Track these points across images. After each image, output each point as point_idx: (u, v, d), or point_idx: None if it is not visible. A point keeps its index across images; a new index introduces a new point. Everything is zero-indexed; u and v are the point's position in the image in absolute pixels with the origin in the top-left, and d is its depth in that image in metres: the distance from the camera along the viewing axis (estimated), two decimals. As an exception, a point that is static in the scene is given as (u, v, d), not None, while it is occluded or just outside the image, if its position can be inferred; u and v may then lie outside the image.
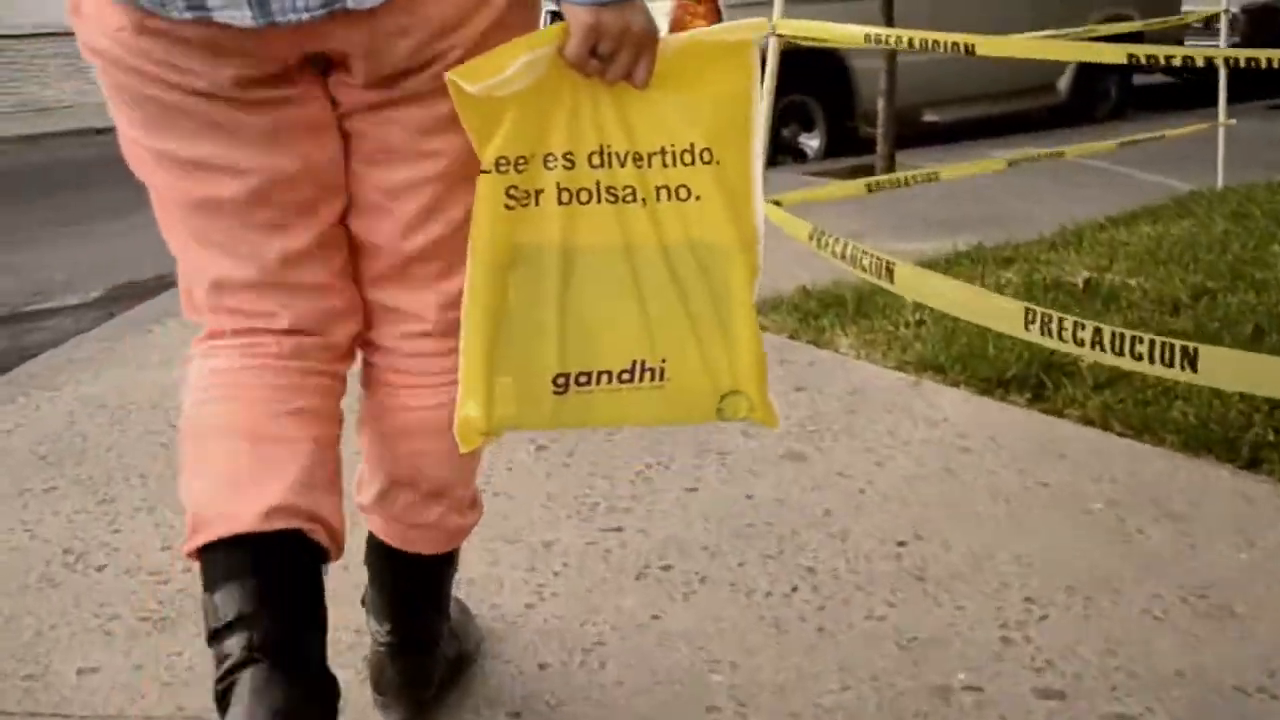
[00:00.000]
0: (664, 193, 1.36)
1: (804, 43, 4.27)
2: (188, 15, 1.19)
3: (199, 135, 1.30)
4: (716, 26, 1.42)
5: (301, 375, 1.39)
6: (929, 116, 7.76)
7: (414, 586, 1.62)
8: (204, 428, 1.38)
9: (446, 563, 1.65)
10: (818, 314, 3.59)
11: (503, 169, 1.31)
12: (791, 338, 3.49)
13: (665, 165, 1.35)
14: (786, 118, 6.97)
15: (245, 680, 1.20)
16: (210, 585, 1.28)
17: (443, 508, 1.54)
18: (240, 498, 1.29)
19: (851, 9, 5.92)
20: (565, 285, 1.36)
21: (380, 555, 1.61)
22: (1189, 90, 9.48)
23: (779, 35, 3.22)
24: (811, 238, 2.92)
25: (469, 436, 1.38)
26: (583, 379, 1.38)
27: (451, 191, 1.36)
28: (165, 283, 4.35)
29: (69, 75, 12.87)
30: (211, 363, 1.40)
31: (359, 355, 1.51)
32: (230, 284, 1.38)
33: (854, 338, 3.41)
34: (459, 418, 1.37)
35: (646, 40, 1.30)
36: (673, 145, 1.35)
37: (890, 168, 6.33)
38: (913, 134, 7.19)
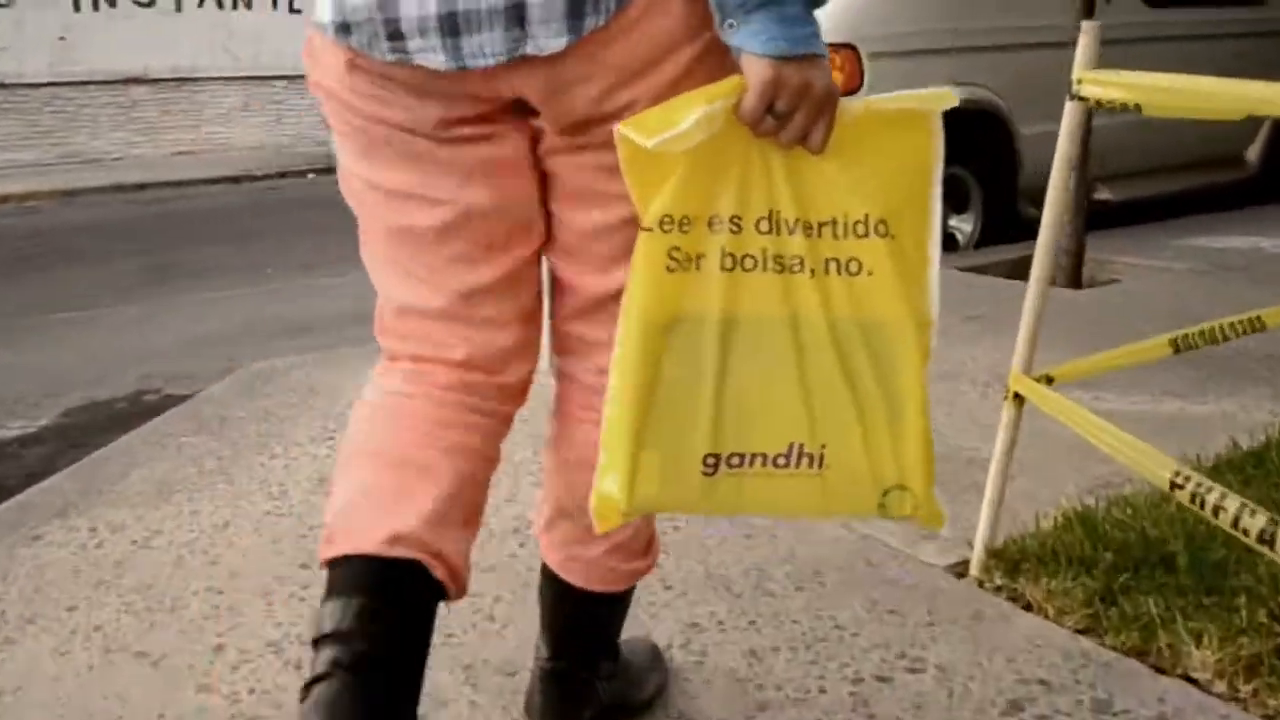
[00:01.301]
0: (834, 265, 1.26)
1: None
2: (390, 57, 1.26)
3: (400, 166, 1.35)
4: (899, 94, 1.29)
5: (463, 410, 1.41)
6: (1100, 195, 6.28)
7: (572, 617, 1.62)
8: (358, 445, 1.42)
9: (607, 602, 1.61)
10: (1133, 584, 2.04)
11: (666, 228, 1.24)
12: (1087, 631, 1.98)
13: (836, 236, 1.26)
14: (936, 196, 5.62)
15: (318, 692, 1.23)
16: (325, 595, 1.31)
17: (604, 547, 1.52)
18: (371, 519, 1.32)
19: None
20: (724, 358, 1.27)
21: (544, 578, 1.62)
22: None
23: (1081, 98, 1.87)
24: (1176, 484, 1.55)
25: (607, 515, 1.30)
26: (735, 460, 1.28)
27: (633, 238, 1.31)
28: (135, 404, 3.27)
29: (119, 126, 12.21)
30: (383, 381, 1.46)
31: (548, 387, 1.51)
32: (414, 311, 1.42)
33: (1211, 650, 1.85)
34: (596, 493, 1.29)
35: (827, 101, 1.23)
36: (846, 216, 1.26)
37: (1078, 266, 4.96)
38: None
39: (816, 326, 1.27)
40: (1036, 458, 2.59)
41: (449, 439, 1.39)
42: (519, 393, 1.47)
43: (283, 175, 11.17)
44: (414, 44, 1.24)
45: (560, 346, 1.50)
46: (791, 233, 1.26)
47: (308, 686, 1.25)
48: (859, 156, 1.26)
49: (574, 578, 1.56)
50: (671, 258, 1.24)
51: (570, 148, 1.32)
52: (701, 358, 1.27)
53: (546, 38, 1.22)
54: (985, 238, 5.84)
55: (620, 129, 1.20)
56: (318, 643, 1.27)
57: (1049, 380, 1.95)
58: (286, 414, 3.07)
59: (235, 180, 10.99)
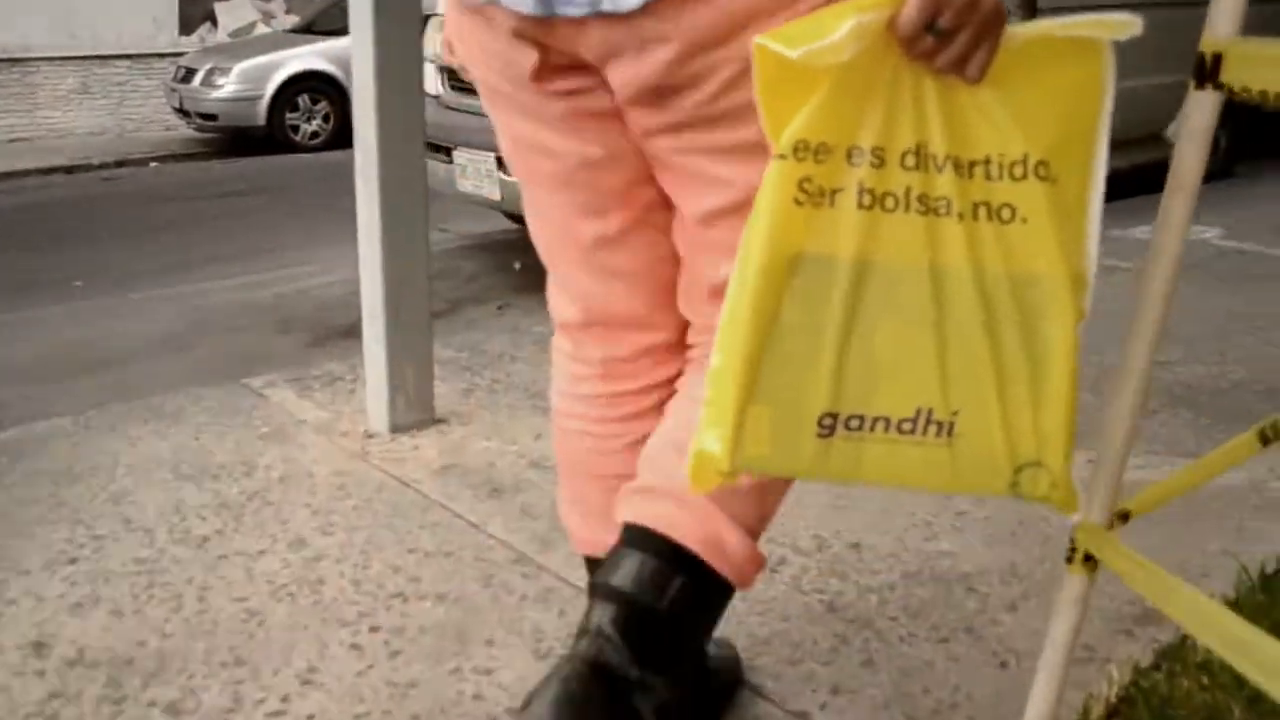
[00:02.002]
0: (984, 210, 1.09)
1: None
2: (479, 1, 1.22)
3: (519, 117, 1.33)
4: (1073, 19, 1.07)
5: (629, 400, 1.42)
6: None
7: (665, 602, 1.33)
8: (564, 460, 1.52)
9: (700, 583, 1.32)
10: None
11: (800, 156, 1.06)
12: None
13: (990, 178, 1.08)
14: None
15: (558, 676, 1.23)
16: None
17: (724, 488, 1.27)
18: (598, 532, 1.41)
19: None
20: (853, 306, 1.09)
21: (631, 551, 1.37)
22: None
23: (1221, 86, 1.12)
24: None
25: (704, 476, 1.14)
26: (854, 422, 1.11)
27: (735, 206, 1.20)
28: None
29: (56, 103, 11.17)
30: (558, 376, 1.49)
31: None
32: (558, 261, 1.42)
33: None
34: (694, 450, 1.13)
35: (993, 22, 1.04)
36: (1002, 155, 1.08)
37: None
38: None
39: (960, 278, 1.10)
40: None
41: (631, 439, 1.41)
42: (672, 354, 1.42)
43: (121, 164, 10.19)
44: None
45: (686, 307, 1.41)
46: (940, 170, 1.09)
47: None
48: (1022, 87, 1.09)
49: (673, 532, 1.35)
50: (802, 189, 1.08)
51: (662, 126, 1.23)
52: (827, 304, 1.10)
53: None
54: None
55: (759, 39, 1.06)
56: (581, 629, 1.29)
57: (1125, 517, 1.26)
58: (23, 519, 2.26)
59: (69, 170, 9.96)
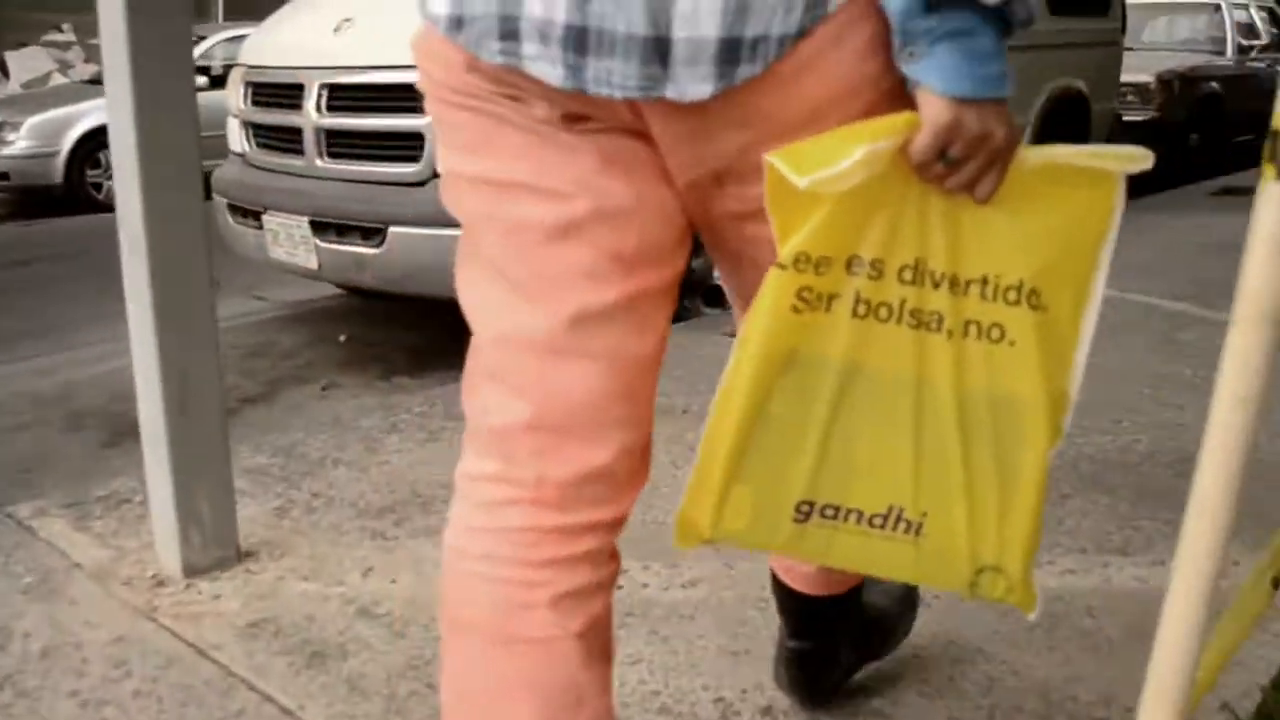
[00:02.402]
0: (974, 329, 1.13)
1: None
2: (499, 60, 1.08)
3: (515, 154, 1.13)
4: (1087, 148, 1.11)
5: (561, 540, 1.16)
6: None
7: (804, 612, 1.61)
8: (455, 623, 1.18)
9: (833, 603, 1.59)
10: None
11: (801, 268, 1.10)
12: None
13: (984, 298, 1.12)
14: (696, 246, 4.65)
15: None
16: None
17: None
18: None
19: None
20: (837, 406, 1.16)
21: (772, 578, 1.64)
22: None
23: None
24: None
25: (686, 537, 1.21)
26: (829, 511, 1.19)
27: None
28: None
29: None
30: (466, 508, 1.21)
31: None
32: (511, 344, 1.16)
33: None
34: (680, 512, 1.20)
35: (1004, 151, 1.06)
36: (999, 276, 1.12)
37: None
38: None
39: (942, 392, 1.15)
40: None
41: (550, 593, 1.15)
42: (619, 488, 1.20)
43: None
44: (529, 49, 1.06)
45: None
46: (936, 286, 1.12)
47: None
48: (1027, 211, 1.11)
49: (796, 584, 1.56)
50: (800, 298, 1.11)
51: (726, 216, 1.16)
52: (813, 401, 1.15)
53: (690, 82, 1.03)
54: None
55: (771, 158, 1.05)
56: None
57: None
58: None
59: None
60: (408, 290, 4.18)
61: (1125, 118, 9.33)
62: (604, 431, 1.17)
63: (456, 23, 1.09)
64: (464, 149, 1.15)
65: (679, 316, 4.69)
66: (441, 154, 1.20)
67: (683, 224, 1.17)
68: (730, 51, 1.01)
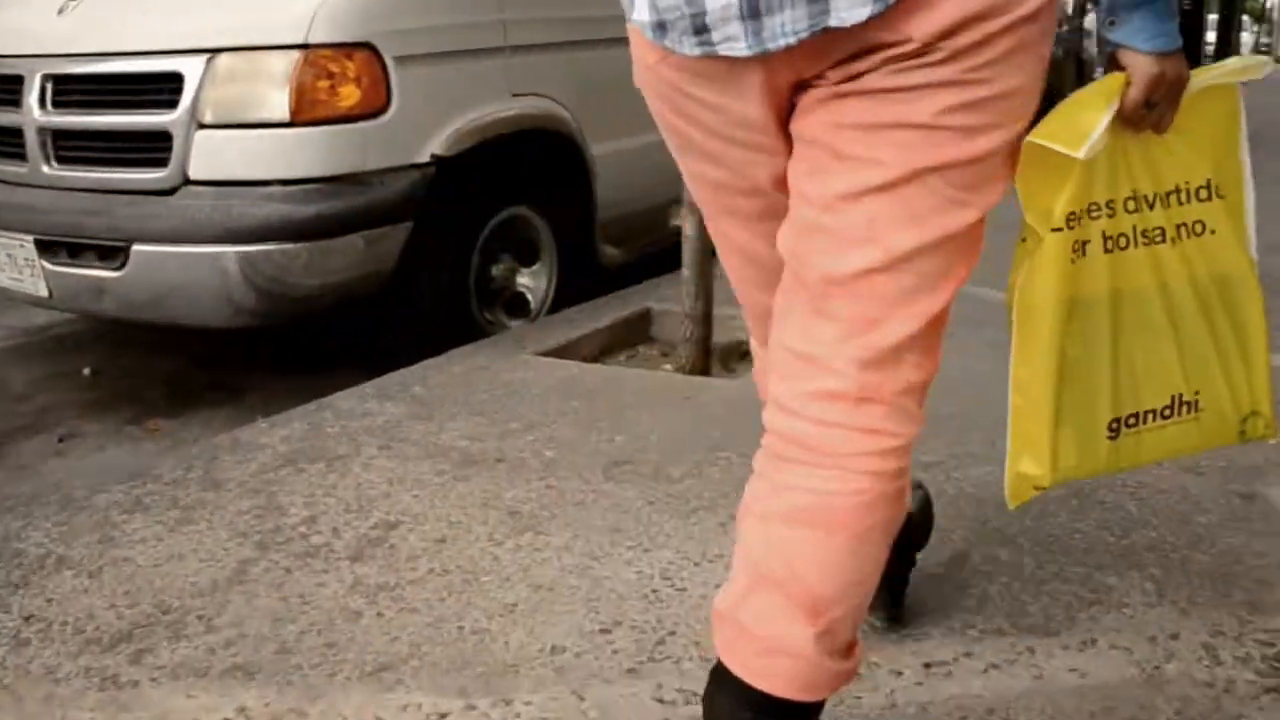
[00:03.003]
0: (1184, 230, 1.41)
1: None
2: (697, 51, 1.25)
3: (709, 161, 1.38)
4: (1211, 69, 1.38)
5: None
6: (679, 220, 5.07)
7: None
8: (743, 548, 1.33)
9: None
10: None
11: (1072, 225, 1.33)
12: None
13: (1183, 203, 1.41)
14: (494, 249, 4.14)
15: None
16: None
17: (814, 631, 1.24)
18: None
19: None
20: (1115, 332, 1.41)
21: (715, 690, 1.33)
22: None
23: None
24: None
25: (1023, 492, 1.43)
26: (1131, 420, 1.44)
27: (894, 213, 1.22)
28: None
29: None
30: (762, 463, 1.35)
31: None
32: (753, 296, 1.51)
33: None
34: (1011, 473, 1.43)
35: (1182, 88, 1.32)
36: (1188, 183, 1.41)
37: (704, 356, 3.69)
38: (666, 249, 4.57)
39: (1181, 288, 1.42)
40: None
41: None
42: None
43: None
44: (717, 34, 1.22)
45: (773, 369, 1.37)
46: (1151, 207, 1.39)
47: None
48: (1191, 129, 1.37)
49: (766, 682, 1.31)
50: (1074, 250, 1.34)
51: (829, 97, 1.24)
52: (1097, 335, 1.40)
53: (850, 8, 1.17)
54: (562, 295, 4.43)
55: (1036, 140, 1.26)
56: None
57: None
58: None
59: None
60: (158, 319, 3.54)
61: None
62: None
63: (660, 27, 1.27)
64: (677, 150, 1.43)
65: (477, 332, 4.22)
66: (682, 164, 1.44)
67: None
68: None
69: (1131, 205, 1.37)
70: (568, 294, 4.41)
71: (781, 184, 1.33)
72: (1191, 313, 1.43)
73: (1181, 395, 1.45)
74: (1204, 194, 1.41)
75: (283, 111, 3.37)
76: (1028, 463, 1.41)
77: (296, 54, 3.37)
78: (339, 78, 3.41)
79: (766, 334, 1.45)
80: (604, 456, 2.76)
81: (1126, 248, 1.37)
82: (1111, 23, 1.26)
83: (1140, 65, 1.26)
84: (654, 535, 2.33)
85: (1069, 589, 2.10)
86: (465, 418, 3.06)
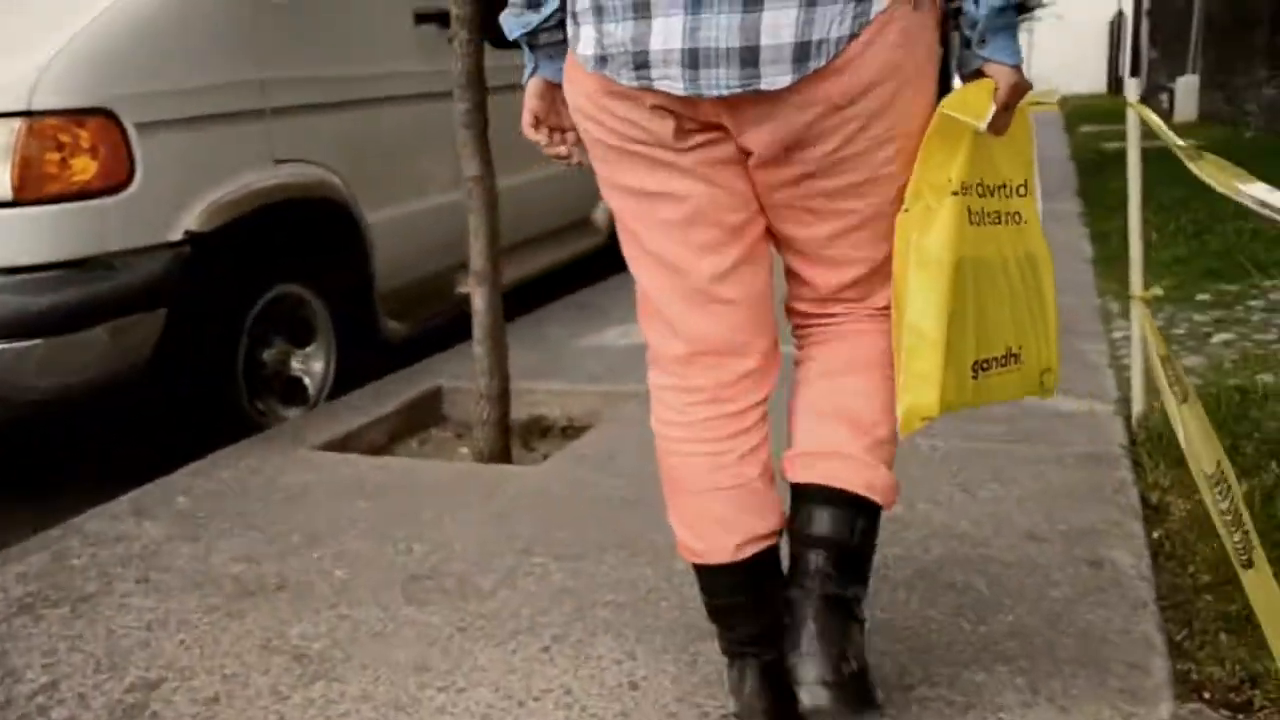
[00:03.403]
0: (1010, 217, 1.72)
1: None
2: (635, 83, 1.56)
3: (648, 172, 1.65)
4: (1030, 95, 1.65)
5: (746, 424, 1.73)
6: (466, 288, 4.76)
7: (840, 539, 1.69)
8: (672, 478, 1.77)
9: (867, 514, 1.71)
10: None
11: (965, 191, 1.62)
12: None
13: (1008, 196, 1.72)
14: (264, 332, 3.75)
15: (744, 669, 1.73)
16: (702, 586, 1.79)
17: (865, 443, 1.71)
18: (714, 543, 1.72)
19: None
20: (976, 290, 1.67)
21: (808, 509, 1.71)
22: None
23: None
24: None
25: (912, 423, 1.65)
26: (985, 365, 1.71)
27: (869, 238, 1.67)
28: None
29: None
30: (665, 404, 1.77)
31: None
32: (670, 303, 1.72)
33: None
34: (904, 405, 1.65)
35: (1025, 94, 1.61)
36: (1011, 181, 1.72)
37: (504, 437, 3.39)
38: (454, 319, 4.28)
39: (1011, 262, 1.73)
40: None
41: (737, 454, 1.72)
42: (763, 376, 1.75)
43: None
44: (656, 72, 1.53)
45: (799, 330, 1.83)
46: (993, 196, 1.68)
47: (732, 656, 1.76)
48: (1014, 137, 1.68)
49: (838, 481, 1.69)
50: (970, 211, 1.63)
51: (790, 179, 1.62)
52: (966, 292, 1.64)
53: (774, 76, 1.49)
54: (344, 377, 4.06)
55: (945, 110, 1.57)
56: (718, 622, 1.77)
57: None
58: None
59: None
60: None
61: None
62: (745, 347, 1.73)
63: (601, 60, 1.58)
64: (613, 165, 1.68)
65: (249, 426, 3.79)
66: (597, 166, 1.72)
67: (755, 200, 1.69)
68: (802, 51, 1.49)
69: (981, 191, 1.67)
70: (350, 375, 4.05)
71: (710, 151, 1.63)
72: (1016, 283, 1.74)
73: (1011, 348, 1.75)
74: (1022, 191, 1.75)
75: (4, 189, 2.92)
76: (920, 396, 1.64)
77: (18, 122, 2.93)
78: (71, 148, 2.99)
79: (693, 335, 1.72)
80: (402, 572, 2.43)
81: (981, 224, 1.67)
82: (983, 41, 1.56)
83: (1004, 74, 1.57)
84: (468, 670, 2.02)
85: (938, 694, 1.90)
86: (238, 534, 2.67)
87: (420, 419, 3.86)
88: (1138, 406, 3.28)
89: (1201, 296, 4.90)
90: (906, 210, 1.62)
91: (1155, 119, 2.82)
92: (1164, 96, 21.98)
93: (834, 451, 1.70)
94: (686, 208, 1.64)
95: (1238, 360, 3.84)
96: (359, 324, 4.14)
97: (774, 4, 1.47)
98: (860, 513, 1.69)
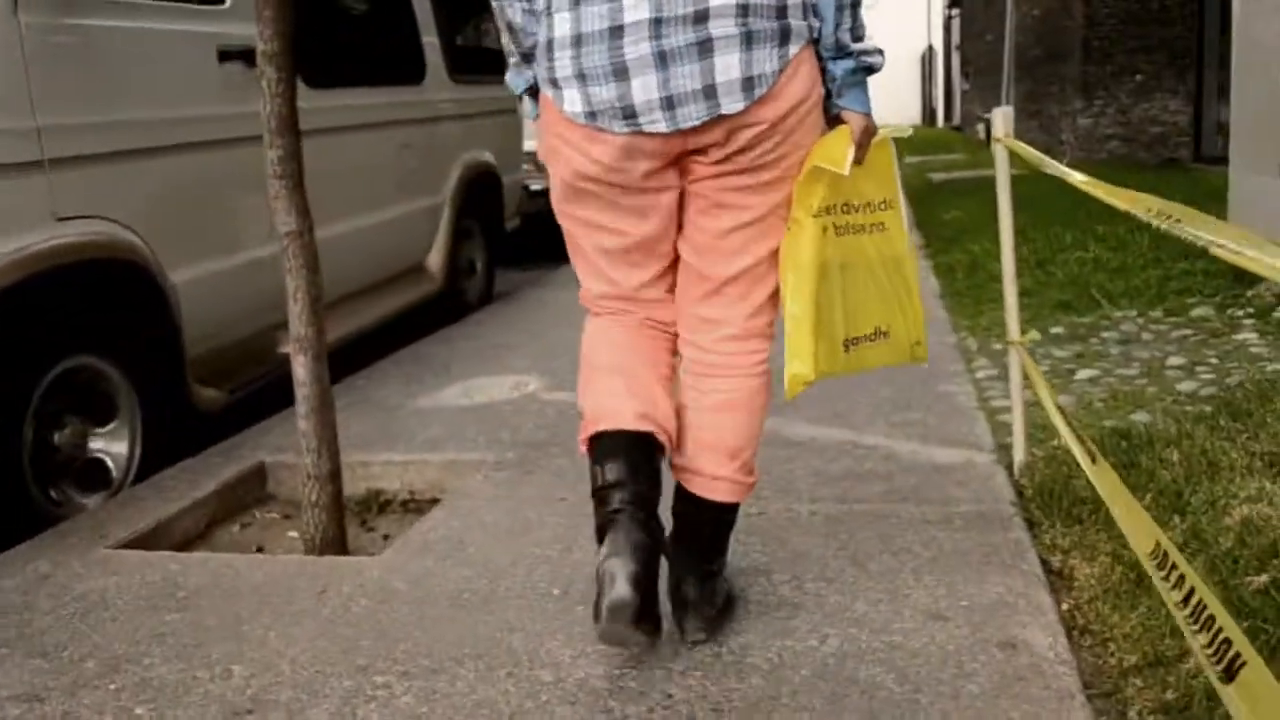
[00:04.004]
0: (874, 227, 2.24)
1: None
2: (626, 129, 2.02)
3: (600, 209, 2.15)
4: (885, 129, 2.21)
5: (653, 339, 2.27)
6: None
7: (711, 529, 2.26)
8: (594, 365, 2.26)
9: (732, 511, 2.27)
10: None
11: (820, 216, 2.12)
12: None
13: (871, 211, 2.24)
14: (55, 410, 3.29)
15: (620, 522, 2.02)
16: (597, 460, 2.12)
17: (735, 466, 2.21)
18: (619, 409, 2.14)
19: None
20: (844, 285, 2.21)
21: (688, 503, 2.24)
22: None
23: None
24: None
25: (795, 388, 2.16)
26: (855, 340, 2.25)
27: (759, 234, 2.15)
28: None
29: None
30: (598, 323, 2.30)
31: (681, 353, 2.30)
32: (607, 295, 2.27)
33: None
34: (788, 374, 2.16)
35: (874, 135, 2.16)
36: (872, 200, 2.23)
37: (337, 521, 3.00)
38: (275, 382, 3.88)
39: (876, 263, 2.25)
40: None
41: (649, 357, 2.24)
42: (673, 323, 2.28)
43: None
44: (644, 119, 1.99)
45: (688, 327, 2.26)
46: (857, 212, 2.20)
47: (607, 518, 2.05)
48: (873, 165, 2.19)
49: (718, 494, 2.21)
50: (823, 232, 2.12)
51: (718, 174, 2.09)
52: (833, 286, 2.17)
53: (731, 104, 1.99)
54: (151, 456, 3.61)
55: (817, 163, 2.08)
56: (602, 490, 2.08)
57: None
58: None
59: None
60: None
61: (530, 185, 8.92)
62: (666, 314, 2.27)
63: (591, 115, 2.01)
64: (571, 199, 2.15)
65: (39, 520, 3.27)
66: (555, 193, 2.18)
67: (676, 227, 2.20)
68: (748, 84, 1.98)
69: (845, 209, 2.17)
70: (159, 453, 3.60)
71: (656, 197, 2.13)
72: (882, 277, 2.25)
73: (879, 328, 2.28)
74: (884, 207, 2.25)
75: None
76: (799, 365, 2.14)
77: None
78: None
79: (609, 280, 2.25)
80: (220, 705, 2.05)
81: (845, 235, 2.18)
82: (840, 94, 2.11)
83: (856, 119, 2.11)
84: (302, 840, 1.65)
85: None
86: (19, 661, 2.25)
87: (242, 499, 3.45)
88: (1019, 456, 3.10)
89: (1056, 330, 4.82)
90: (789, 231, 2.15)
91: (1029, 150, 2.65)
92: (980, 126, 22.71)
93: (712, 475, 2.21)
94: (626, 241, 2.18)
95: (1107, 399, 3.72)
96: (168, 395, 3.70)
97: (721, 51, 1.98)
98: (727, 509, 2.26)
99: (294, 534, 3.21)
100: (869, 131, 2.11)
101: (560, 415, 3.89)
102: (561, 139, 2.08)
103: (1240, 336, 4.42)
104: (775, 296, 2.19)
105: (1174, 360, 4.13)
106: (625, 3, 1.96)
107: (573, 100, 2.02)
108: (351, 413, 4.02)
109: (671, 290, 2.25)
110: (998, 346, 4.58)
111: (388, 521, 3.30)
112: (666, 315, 2.25)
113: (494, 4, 2.17)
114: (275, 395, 3.80)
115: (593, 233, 2.17)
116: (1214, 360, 4.10)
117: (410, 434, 3.77)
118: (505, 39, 2.20)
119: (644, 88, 1.97)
